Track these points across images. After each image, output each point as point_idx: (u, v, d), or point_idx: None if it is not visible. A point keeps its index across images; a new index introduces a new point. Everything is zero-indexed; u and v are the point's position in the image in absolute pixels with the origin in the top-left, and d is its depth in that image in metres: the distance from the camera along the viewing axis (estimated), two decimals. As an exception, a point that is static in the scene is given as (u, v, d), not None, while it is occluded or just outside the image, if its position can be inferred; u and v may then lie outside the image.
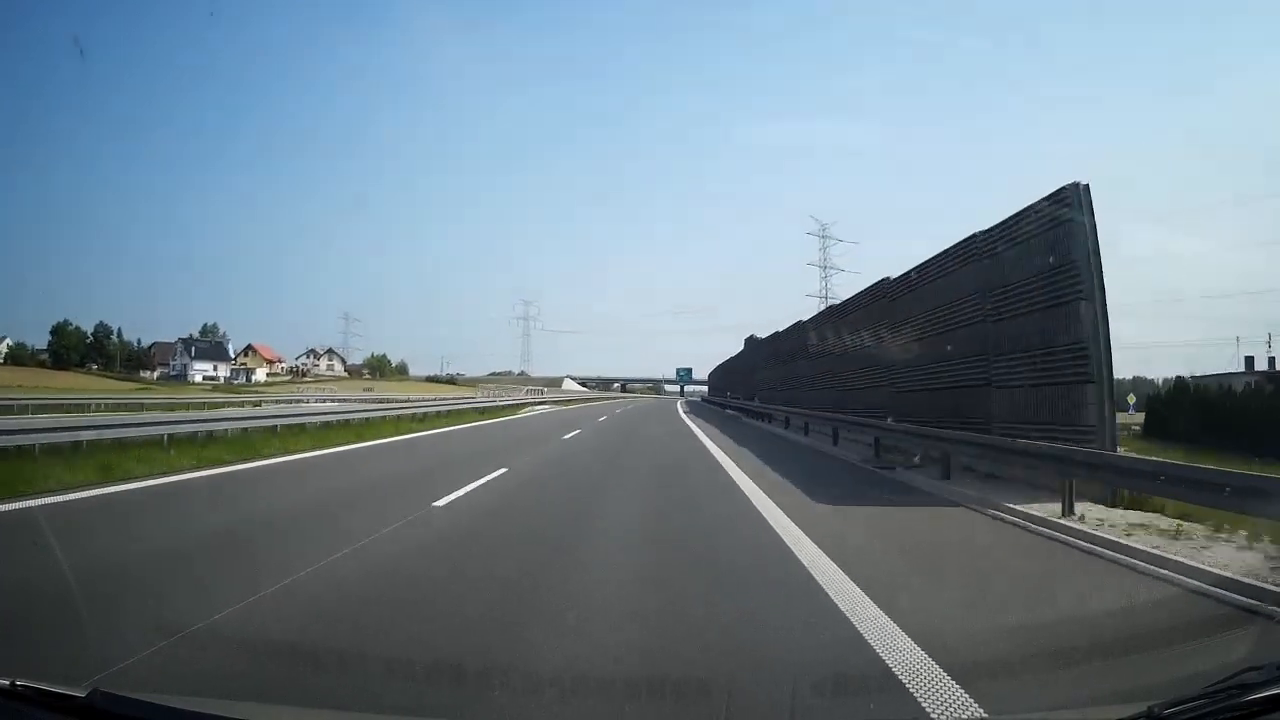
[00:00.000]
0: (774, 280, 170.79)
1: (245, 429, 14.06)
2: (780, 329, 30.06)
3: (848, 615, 3.49)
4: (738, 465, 11.75)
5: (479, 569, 4.65)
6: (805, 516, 6.70)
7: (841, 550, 5.06)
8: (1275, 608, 3.35)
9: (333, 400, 36.13)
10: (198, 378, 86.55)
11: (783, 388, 26.73)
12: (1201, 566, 4.56)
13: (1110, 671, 2.78)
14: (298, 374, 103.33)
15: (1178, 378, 38.43)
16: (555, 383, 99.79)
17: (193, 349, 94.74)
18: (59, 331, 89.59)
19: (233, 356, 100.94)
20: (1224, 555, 4.96)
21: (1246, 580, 3.97)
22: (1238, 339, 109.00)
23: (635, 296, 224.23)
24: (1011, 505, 7.18)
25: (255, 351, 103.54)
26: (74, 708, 1.56)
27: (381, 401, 30.96)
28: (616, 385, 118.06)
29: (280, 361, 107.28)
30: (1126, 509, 6.93)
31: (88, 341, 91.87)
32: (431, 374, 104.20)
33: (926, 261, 13.11)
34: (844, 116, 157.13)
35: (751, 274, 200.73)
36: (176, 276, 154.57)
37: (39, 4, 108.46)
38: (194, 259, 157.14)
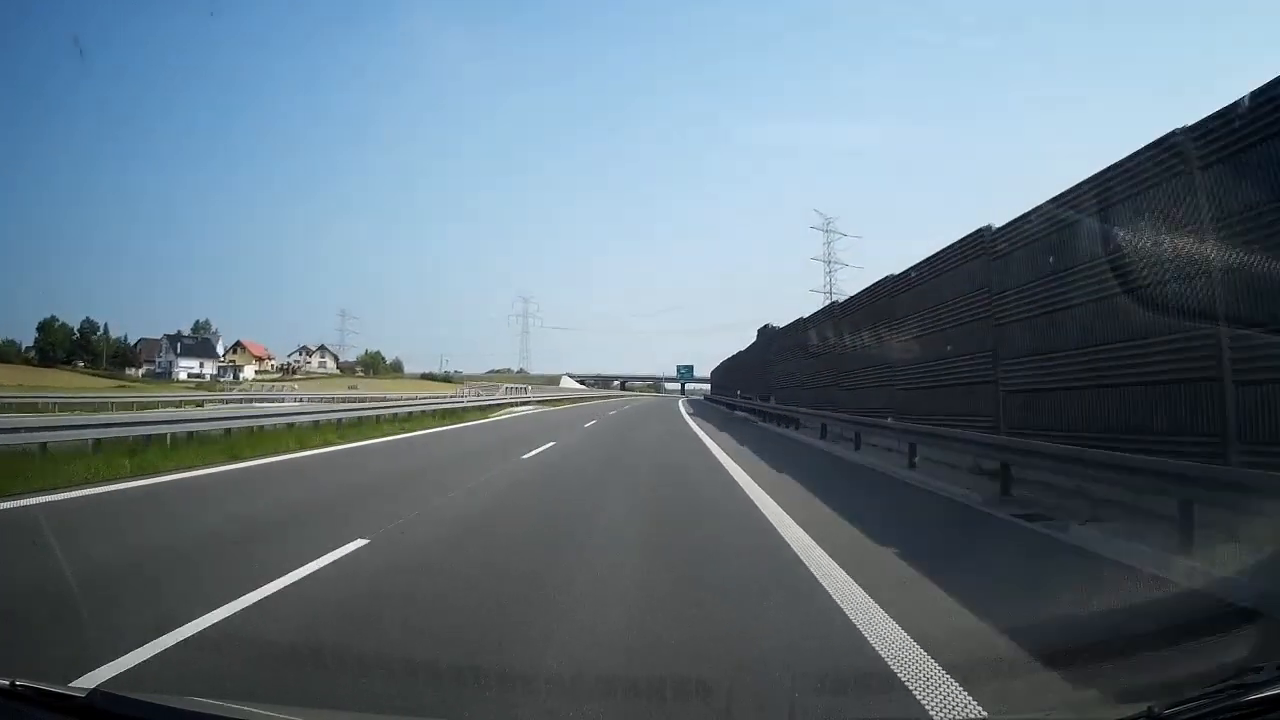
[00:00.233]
0: (775, 280, 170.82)
1: (150, 436, 12.00)
2: (804, 315, 24.55)
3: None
4: (807, 524, 6.49)
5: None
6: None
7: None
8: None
9: (294, 400, 33.78)
10: (182, 375, 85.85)
11: (811, 385, 21.80)
12: None
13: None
14: (287, 371, 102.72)
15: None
16: (553, 380, 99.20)
17: (178, 346, 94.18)
18: (45, 328, 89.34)
19: (221, 354, 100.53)
20: None
21: None
22: None
23: (635, 295, 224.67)
24: None
25: (244, 348, 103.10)
26: (74, 708, 1.58)
27: (353, 401, 29.80)
28: (616, 383, 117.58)
29: (270, 359, 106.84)
30: None
31: (74, 338, 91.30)
32: (425, 372, 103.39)
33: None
34: (845, 116, 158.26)
35: (752, 273, 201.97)
36: (174, 274, 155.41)
37: (38, 4, 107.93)
38: (192, 257, 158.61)
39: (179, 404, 29.25)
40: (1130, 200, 7.19)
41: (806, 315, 24.20)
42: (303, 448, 13.24)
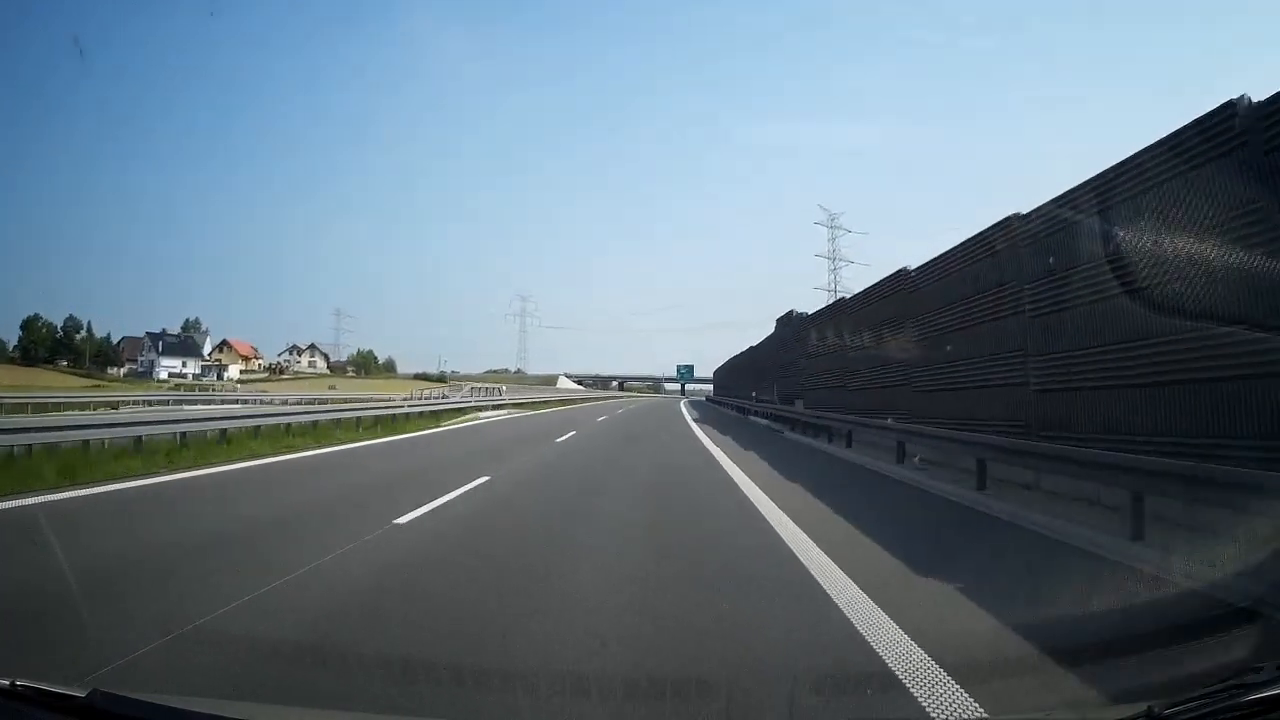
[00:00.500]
0: (775, 279, 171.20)
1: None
2: (846, 295, 20.17)
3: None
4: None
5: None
6: None
7: None
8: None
9: (239, 403, 30.40)
10: (163, 374, 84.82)
11: (857, 387, 16.57)
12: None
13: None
14: (275, 371, 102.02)
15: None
16: (549, 381, 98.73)
17: (160, 344, 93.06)
18: (28, 326, 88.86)
19: (206, 352, 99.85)
20: None
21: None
22: None
23: (634, 295, 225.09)
24: None
25: (230, 347, 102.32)
26: (74, 708, 1.60)
27: (316, 402, 27.63)
28: (614, 384, 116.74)
29: (257, 358, 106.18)
30: None
31: (57, 337, 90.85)
32: (419, 371, 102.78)
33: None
34: (845, 116, 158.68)
35: (752, 272, 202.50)
36: (172, 274, 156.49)
37: (37, 3, 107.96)
38: (189, 256, 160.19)
39: (94, 406, 26.19)
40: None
41: (850, 295, 19.27)
42: (217, 463, 10.71)
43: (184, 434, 12.68)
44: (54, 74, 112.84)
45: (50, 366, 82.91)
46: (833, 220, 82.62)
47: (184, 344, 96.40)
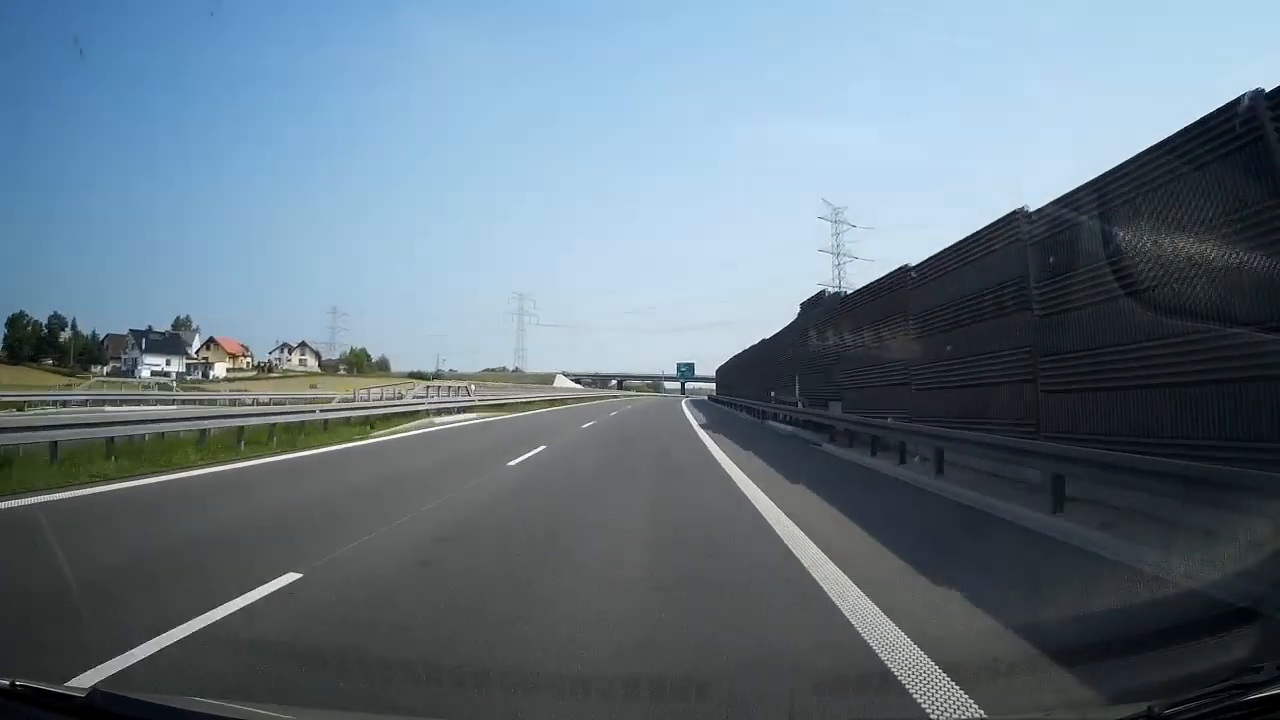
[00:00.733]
0: (776, 279, 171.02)
1: None
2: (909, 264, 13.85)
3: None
4: None
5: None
6: None
7: None
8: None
9: (175, 405, 28.05)
10: (145, 373, 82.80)
11: (930, 384, 12.30)
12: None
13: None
14: (264, 369, 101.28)
15: None
16: (546, 380, 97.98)
17: (143, 342, 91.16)
18: (13, 324, 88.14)
19: (194, 350, 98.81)
20: None
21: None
22: None
23: (633, 293, 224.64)
24: None
25: (217, 345, 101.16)
26: (74, 708, 1.61)
27: (272, 405, 24.53)
28: (614, 382, 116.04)
29: (245, 356, 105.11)
30: None
31: (42, 334, 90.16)
32: (414, 370, 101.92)
33: None
34: (845, 116, 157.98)
35: (753, 271, 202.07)
36: (167, 272, 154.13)
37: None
38: (186, 254, 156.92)
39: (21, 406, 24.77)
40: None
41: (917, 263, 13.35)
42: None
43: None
44: (48, 71, 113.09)
45: (35, 365, 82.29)
46: (836, 215, 79.38)
47: (168, 342, 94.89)
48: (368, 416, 20.92)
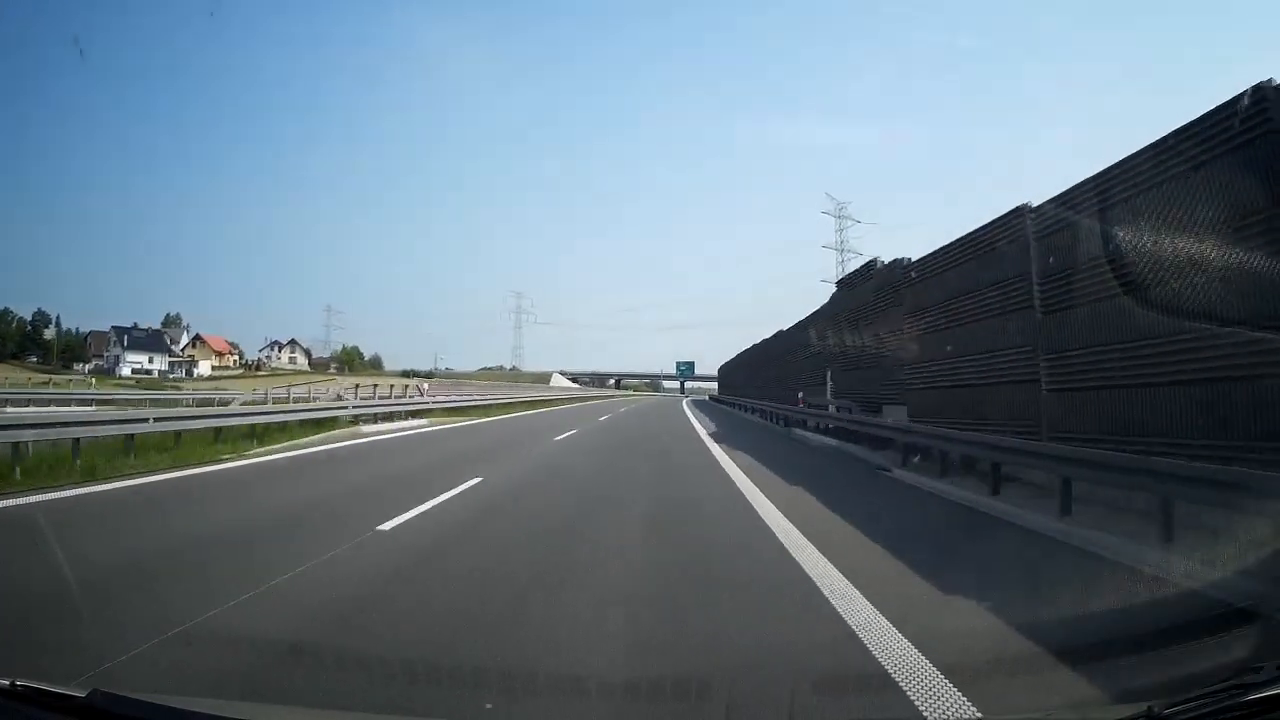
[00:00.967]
0: (776, 278, 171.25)
1: None
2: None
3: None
4: None
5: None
6: None
7: None
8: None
9: (94, 404, 25.51)
10: (126, 370, 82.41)
11: (1071, 383, 8.54)
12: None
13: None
14: (252, 367, 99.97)
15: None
16: (543, 378, 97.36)
17: (125, 339, 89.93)
18: None
19: (179, 348, 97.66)
20: None
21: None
22: None
23: (632, 291, 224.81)
24: None
25: (203, 343, 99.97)
26: (74, 708, 1.63)
27: (191, 406, 23.63)
28: (611, 381, 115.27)
29: (232, 353, 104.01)
30: None
31: (26, 331, 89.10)
32: (407, 369, 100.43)
33: None
34: (846, 115, 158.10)
35: (753, 269, 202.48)
36: (165, 270, 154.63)
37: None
38: (180, 252, 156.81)
39: None
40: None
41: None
42: None
43: None
44: (48, 71, 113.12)
45: (18, 362, 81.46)
46: (840, 210, 76.92)
47: (151, 339, 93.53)
48: (256, 426, 15.32)
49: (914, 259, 14.26)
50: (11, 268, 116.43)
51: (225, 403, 23.24)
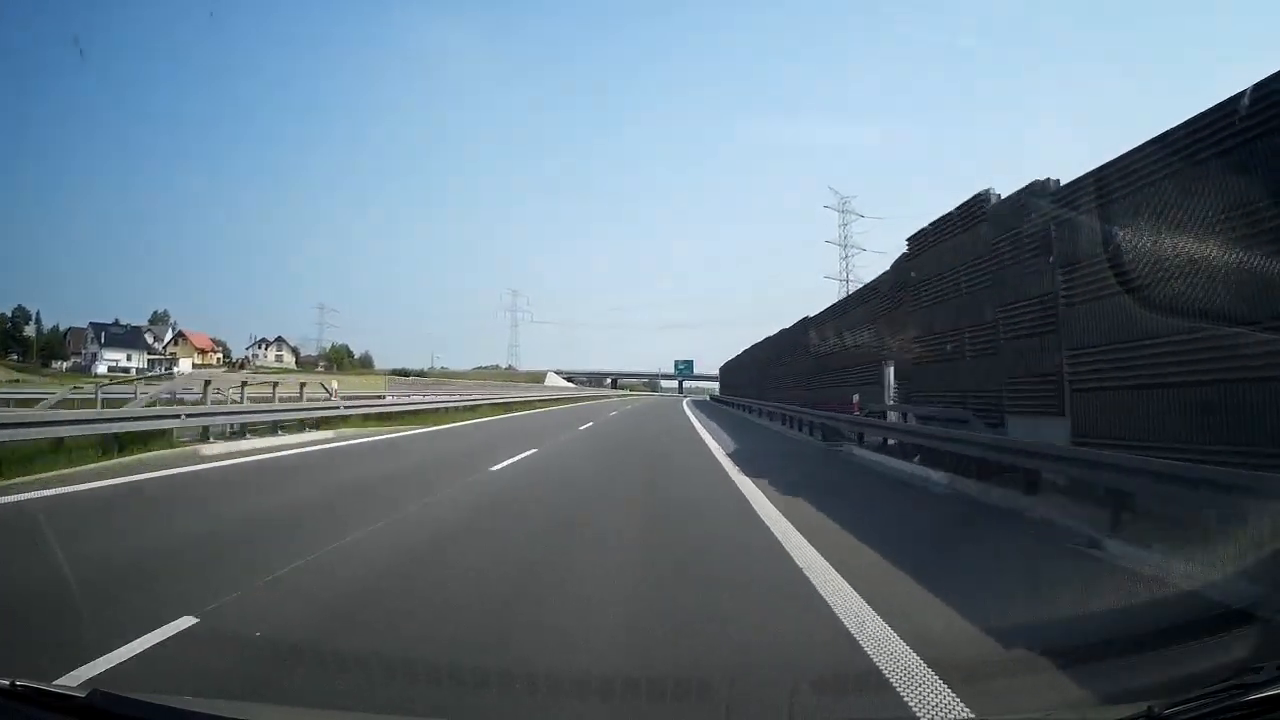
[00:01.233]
0: (776, 278, 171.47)
1: None
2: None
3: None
4: None
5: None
6: None
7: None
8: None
9: None
10: (102, 368, 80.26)
11: None
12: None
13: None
14: (235, 366, 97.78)
15: None
16: (538, 378, 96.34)
17: (103, 336, 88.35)
18: None
19: (161, 345, 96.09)
20: None
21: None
22: None
23: (629, 291, 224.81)
24: None
25: (186, 340, 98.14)
26: (74, 708, 1.64)
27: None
28: (608, 381, 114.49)
29: (215, 350, 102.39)
30: None
31: (6, 328, 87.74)
32: (397, 368, 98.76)
33: None
34: (844, 115, 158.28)
35: (752, 269, 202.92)
36: (164, 270, 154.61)
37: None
38: (172, 249, 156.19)
39: None
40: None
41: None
42: None
43: None
44: (43, 70, 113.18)
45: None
46: (844, 204, 76.54)
47: (129, 336, 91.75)
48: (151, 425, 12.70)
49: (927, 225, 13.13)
50: (11, 269, 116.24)
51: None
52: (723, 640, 3.69)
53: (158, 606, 3.97)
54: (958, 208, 12.30)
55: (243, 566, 4.95)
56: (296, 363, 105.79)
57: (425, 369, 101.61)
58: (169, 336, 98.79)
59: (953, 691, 2.91)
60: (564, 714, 2.97)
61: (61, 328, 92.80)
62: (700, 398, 75.21)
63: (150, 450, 12.36)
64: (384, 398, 29.71)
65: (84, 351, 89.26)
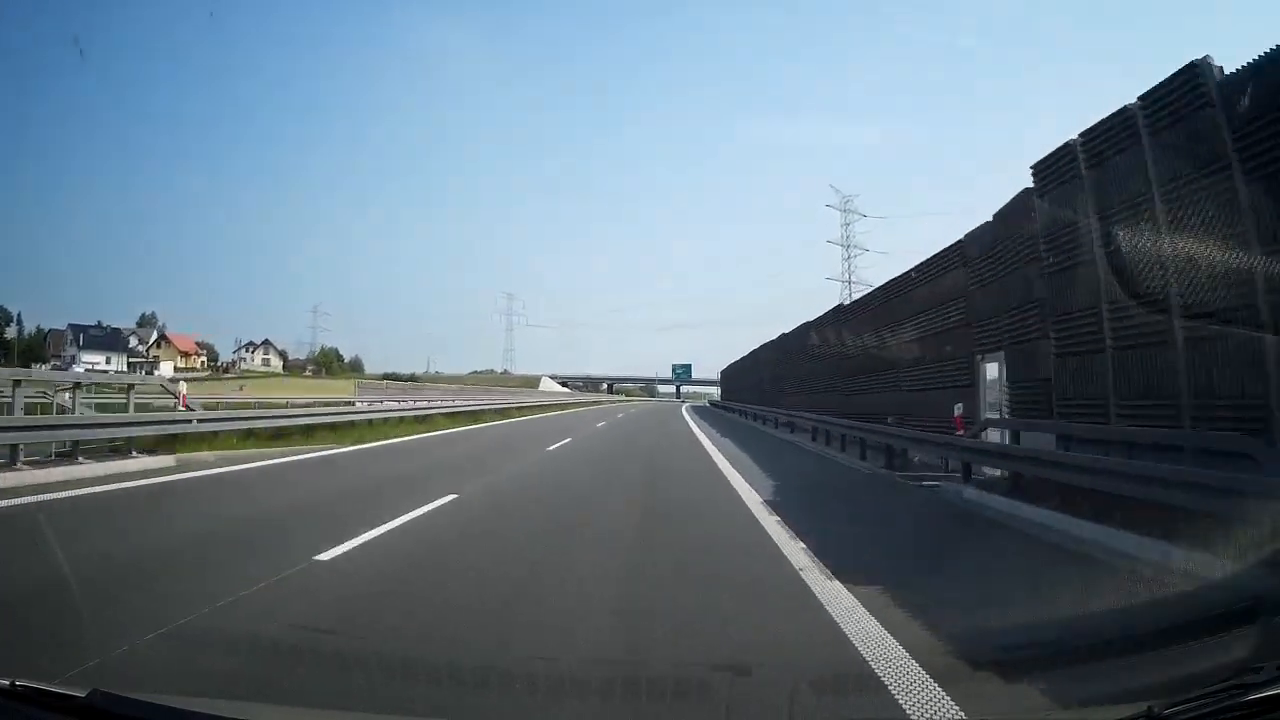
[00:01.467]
0: (773, 281, 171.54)
1: None
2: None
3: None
4: None
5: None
6: None
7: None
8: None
9: None
10: (79, 370, 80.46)
11: None
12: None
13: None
14: (221, 369, 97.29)
15: None
16: (533, 382, 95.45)
17: (81, 337, 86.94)
18: None
19: (144, 347, 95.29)
20: None
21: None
22: None
23: (627, 295, 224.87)
24: None
25: (169, 342, 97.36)
26: (74, 708, 1.66)
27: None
28: (604, 385, 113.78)
29: (199, 353, 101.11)
30: None
31: None
32: (388, 372, 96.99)
33: None
34: (844, 115, 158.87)
35: (751, 270, 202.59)
36: (165, 271, 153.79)
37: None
38: (165, 250, 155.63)
39: None
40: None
41: None
42: None
43: None
44: (43, 70, 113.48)
45: (-23, 362, 79.75)
46: (846, 203, 74.28)
47: (108, 338, 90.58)
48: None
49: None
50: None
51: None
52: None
53: None
54: (1157, 86, 7.58)
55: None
56: (284, 366, 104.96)
57: (415, 373, 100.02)
58: (154, 339, 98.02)
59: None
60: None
61: (48, 330, 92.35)
62: (699, 403, 73.99)
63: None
64: (353, 403, 28.07)
65: (63, 353, 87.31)
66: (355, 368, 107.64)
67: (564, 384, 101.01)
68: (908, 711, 2.84)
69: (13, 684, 1.63)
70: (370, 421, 21.09)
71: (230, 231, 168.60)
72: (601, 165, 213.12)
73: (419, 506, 8.01)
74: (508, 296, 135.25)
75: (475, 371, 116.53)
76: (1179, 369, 7.22)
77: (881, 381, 16.92)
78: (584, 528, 7.39)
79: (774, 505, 8.66)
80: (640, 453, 16.74)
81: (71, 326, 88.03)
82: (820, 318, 24.87)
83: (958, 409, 11.88)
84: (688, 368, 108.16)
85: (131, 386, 16.03)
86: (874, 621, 4.14)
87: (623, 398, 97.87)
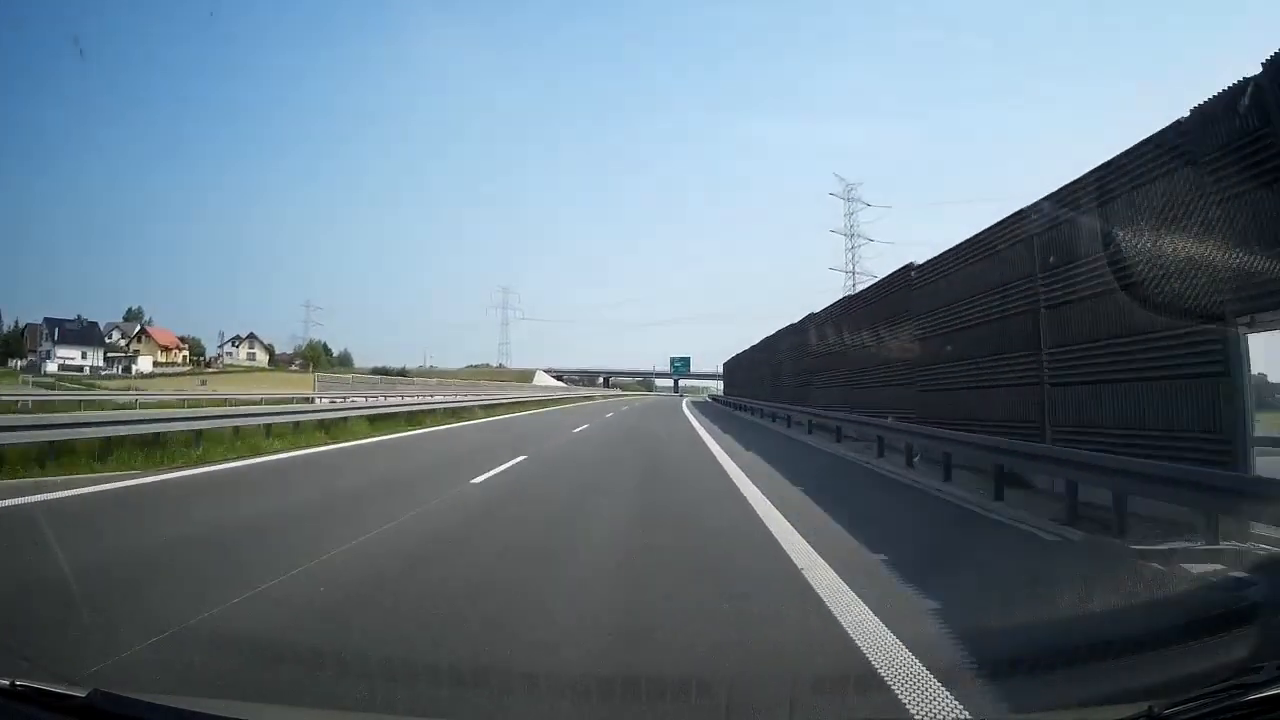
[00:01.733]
0: (773, 273, 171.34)
1: None
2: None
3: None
4: None
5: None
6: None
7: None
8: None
9: None
10: (53, 366, 78.84)
11: None
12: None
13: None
14: (202, 365, 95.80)
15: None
16: (527, 376, 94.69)
17: (56, 332, 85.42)
18: None
19: (125, 341, 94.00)
20: None
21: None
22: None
23: (624, 289, 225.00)
24: None
25: (148, 336, 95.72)
26: (74, 708, 1.68)
27: None
28: (601, 379, 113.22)
29: (180, 348, 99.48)
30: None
31: None
32: (378, 366, 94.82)
33: None
34: (842, 114, 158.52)
35: (750, 266, 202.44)
36: (159, 267, 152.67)
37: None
38: (157, 245, 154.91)
39: None
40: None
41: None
42: None
43: None
44: (43, 70, 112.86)
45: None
46: (849, 192, 74.29)
47: (85, 332, 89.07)
48: None
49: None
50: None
51: None
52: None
53: None
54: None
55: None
56: (271, 361, 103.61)
57: (406, 368, 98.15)
58: (135, 333, 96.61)
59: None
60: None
61: (24, 325, 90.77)
62: (699, 398, 72.89)
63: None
64: (311, 400, 27.75)
65: (39, 348, 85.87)
66: (344, 362, 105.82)
67: (559, 377, 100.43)
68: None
69: (13, 684, 1.64)
70: (298, 425, 16.52)
71: (224, 228, 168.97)
72: (600, 160, 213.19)
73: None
74: (503, 290, 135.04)
75: (471, 365, 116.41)
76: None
77: (964, 376, 10.95)
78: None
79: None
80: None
81: (47, 320, 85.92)
82: (872, 286, 18.97)
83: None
84: (686, 360, 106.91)
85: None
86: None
87: (619, 392, 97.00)
